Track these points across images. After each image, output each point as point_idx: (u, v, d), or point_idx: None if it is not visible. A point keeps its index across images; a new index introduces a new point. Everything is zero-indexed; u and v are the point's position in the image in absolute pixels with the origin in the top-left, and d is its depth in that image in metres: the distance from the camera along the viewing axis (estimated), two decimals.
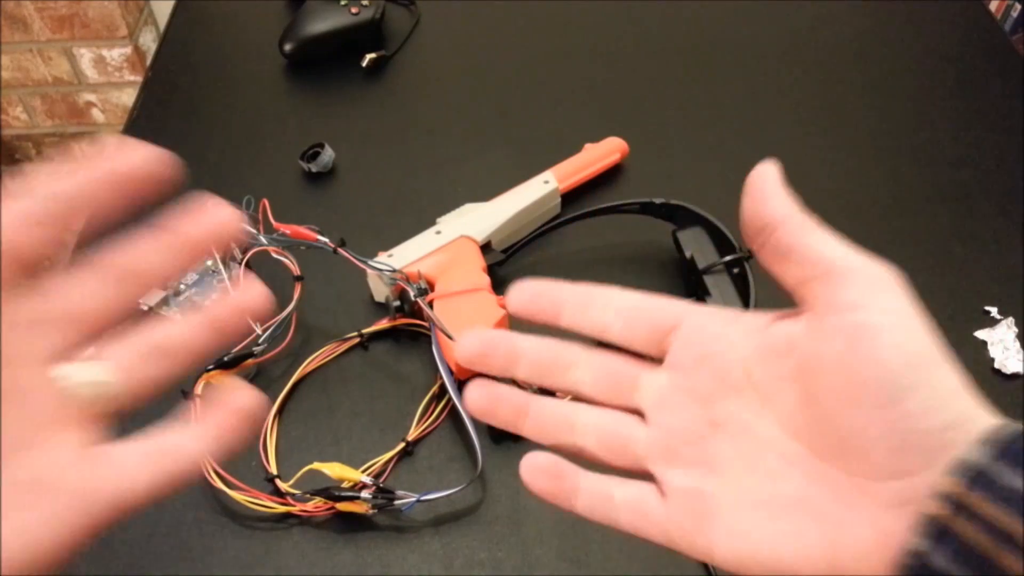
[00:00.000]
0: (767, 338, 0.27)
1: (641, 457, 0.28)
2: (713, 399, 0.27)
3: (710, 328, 0.28)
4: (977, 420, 0.23)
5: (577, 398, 0.29)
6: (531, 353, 0.29)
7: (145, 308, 0.58)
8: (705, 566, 0.47)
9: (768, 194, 0.27)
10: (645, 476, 0.28)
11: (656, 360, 0.28)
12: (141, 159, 0.23)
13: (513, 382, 0.29)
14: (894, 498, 0.23)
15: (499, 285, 0.61)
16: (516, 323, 0.57)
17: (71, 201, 0.23)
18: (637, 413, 0.28)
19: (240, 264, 0.59)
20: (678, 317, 0.28)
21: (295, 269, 0.57)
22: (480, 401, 0.29)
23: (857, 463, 0.24)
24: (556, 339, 0.29)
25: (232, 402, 0.25)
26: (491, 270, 0.59)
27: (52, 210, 0.22)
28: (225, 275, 0.60)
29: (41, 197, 0.22)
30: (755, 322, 0.27)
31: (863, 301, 0.24)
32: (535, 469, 0.29)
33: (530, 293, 0.29)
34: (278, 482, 0.50)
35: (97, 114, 1.64)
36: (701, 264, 0.58)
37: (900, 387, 0.23)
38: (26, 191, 0.23)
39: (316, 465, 0.49)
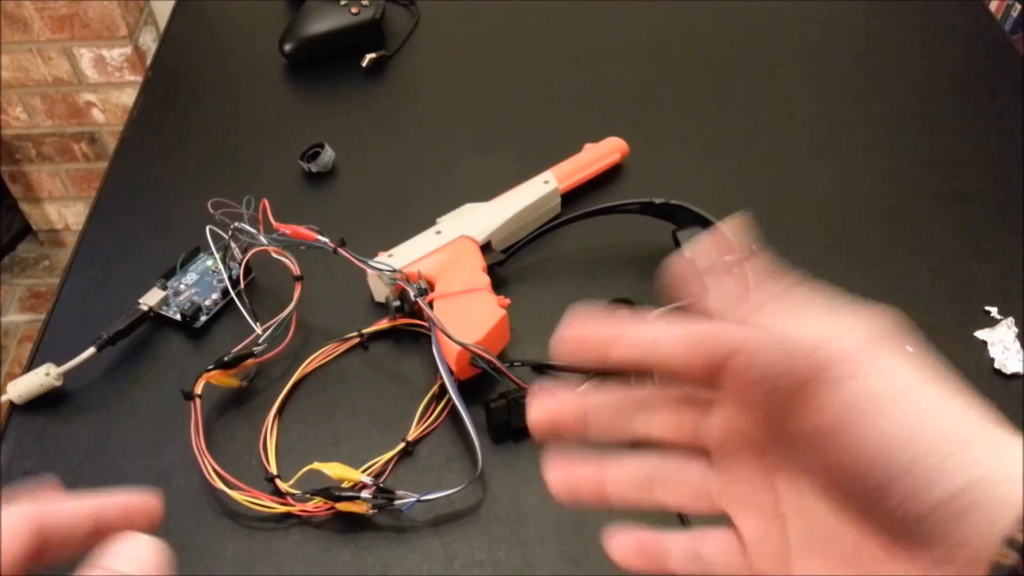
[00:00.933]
0: (793, 382, 0.25)
1: (716, 501, 0.27)
2: (763, 443, 0.26)
3: (759, 360, 0.26)
4: (996, 467, 0.21)
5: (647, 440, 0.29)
6: (598, 411, 0.28)
7: (145, 308, 0.58)
8: None
9: (708, 284, 0.26)
10: (727, 518, 0.28)
11: (715, 388, 0.27)
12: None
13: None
14: (936, 558, 0.22)
15: (499, 285, 0.61)
16: (517, 324, 0.57)
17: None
18: (705, 452, 0.28)
19: (240, 264, 0.59)
20: (734, 344, 0.26)
21: (295, 269, 0.57)
22: (562, 487, 0.28)
23: (884, 531, 0.23)
24: (616, 388, 0.28)
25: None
26: (491, 270, 0.59)
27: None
28: (225, 275, 0.60)
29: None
30: (798, 358, 0.25)
31: (854, 373, 0.23)
32: (625, 549, 0.28)
33: (581, 330, 0.27)
34: (278, 482, 0.50)
35: (97, 114, 1.63)
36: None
37: (898, 467, 0.22)
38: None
39: (316, 465, 0.49)
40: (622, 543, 0.28)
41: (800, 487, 0.25)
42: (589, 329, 0.27)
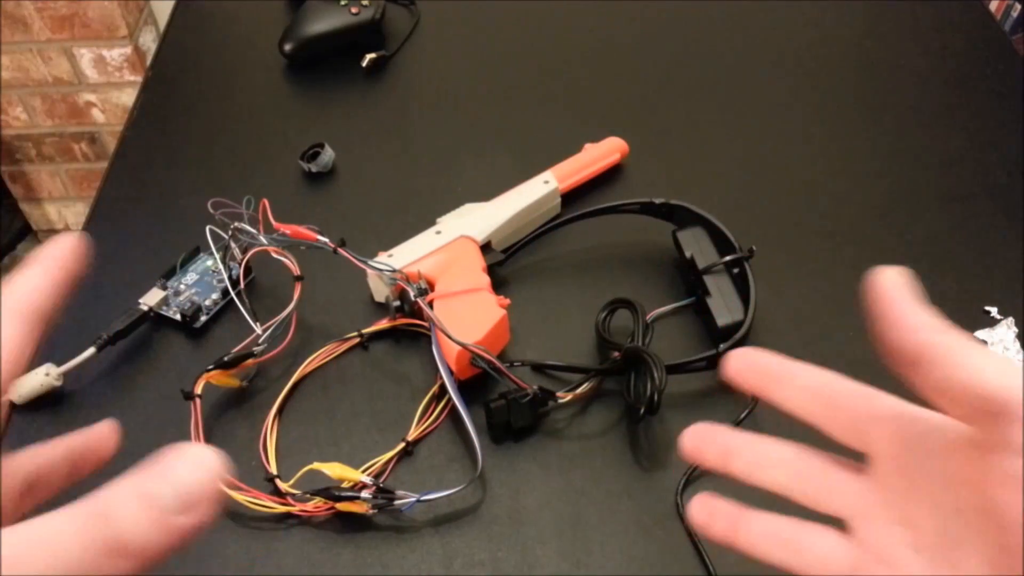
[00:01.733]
0: (949, 461, 0.24)
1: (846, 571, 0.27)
2: (914, 519, 0.25)
3: (912, 431, 0.25)
4: None
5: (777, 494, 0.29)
6: (743, 451, 0.28)
7: (145, 308, 0.58)
8: (705, 567, 0.47)
9: (904, 313, 0.24)
10: None
11: (856, 453, 0.27)
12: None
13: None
14: None
15: (499, 285, 0.61)
16: (516, 324, 0.57)
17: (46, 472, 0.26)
18: (838, 520, 0.27)
19: (240, 264, 0.59)
20: (880, 408, 0.26)
21: (295, 269, 0.57)
22: (701, 515, 0.29)
23: None
24: (762, 435, 0.29)
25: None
26: (491, 270, 0.59)
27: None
28: (225, 275, 0.60)
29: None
30: (945, 434, 0.24)
31: None
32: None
33: (748, 362, 0.28)
34: (278, 482, 0.50)
35: (97, 114, 1.63)
36: (701, 264, 0.58)
37: None
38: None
39: (316, 465, 0.49)
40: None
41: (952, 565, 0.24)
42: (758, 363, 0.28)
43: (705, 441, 0.29)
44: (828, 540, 0.27)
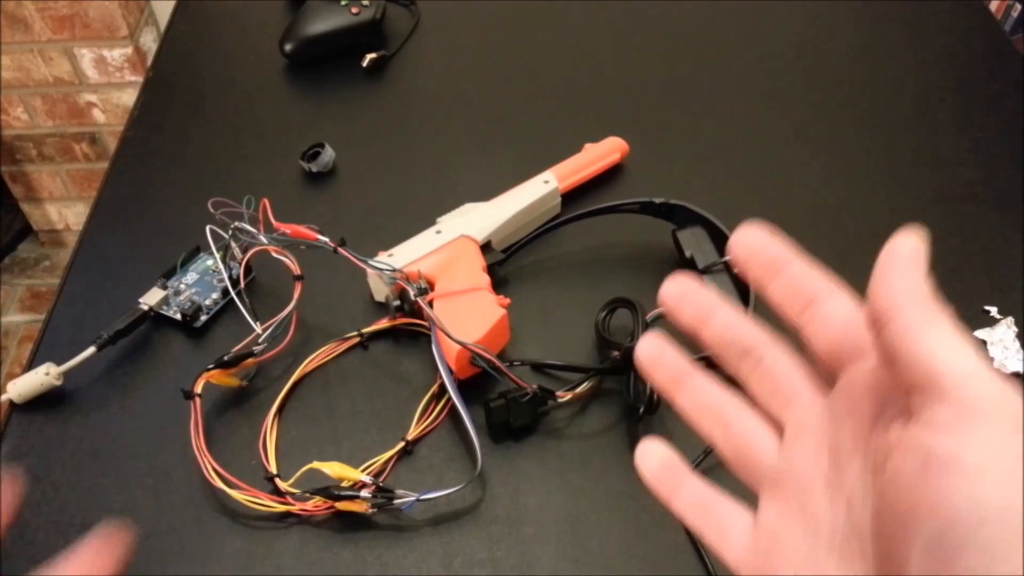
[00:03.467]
0: (880, 416, 0.24)
1: (758, 480, 0.27)
2: (839, 455, 0.25)
3: (871, 379, 0.25)
4: None
5: (735, 384, 0.28)
6: (721, 321, 0.28)
7: (145, 307, 0.58)
8: (705, 566, 0.47)
9: (892, 274, 0.23)
10: (754, 497, 0.27)
11: (827, 374, 0.27)
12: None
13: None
14: None
15: (499, 285, 0.61)
16: (516, 323, 0.57)
17: None
18: (779, 428, 0.27)
19: (240, 264, 0.59)
20: (863, 350, 0.25)
21: (295, 269, 0.57)
22: (650, 352, 0.28)
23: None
24: (746, 318, 0.28)
25: None
26: (491, 270, 0.59)
27: None
28: (225, 275, 0.60)
29: None
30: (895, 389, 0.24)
31: (956, 426, 0.20)
32: (650, 455, 0.28)
33: (760, 242, 0.27)
34: (278, 481, 0.50)
35: (98, 114, 1.64)
36: (701, 264, 0.58)
37: (958, 542, 0.19)
38: None
39: (316, 464, 0.49)
40: (651, 450, 0.28)
41: (846, 507, 0.24)
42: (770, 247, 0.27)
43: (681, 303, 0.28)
44: (764, 439, 0.27)
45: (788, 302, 0.27)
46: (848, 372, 0.25)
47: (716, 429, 0.28)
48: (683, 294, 0.28)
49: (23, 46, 1.52)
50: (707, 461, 0.51)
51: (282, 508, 0.49)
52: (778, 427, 0.27)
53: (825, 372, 0.26)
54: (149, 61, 1.31)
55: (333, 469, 0.48)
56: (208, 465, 0.50)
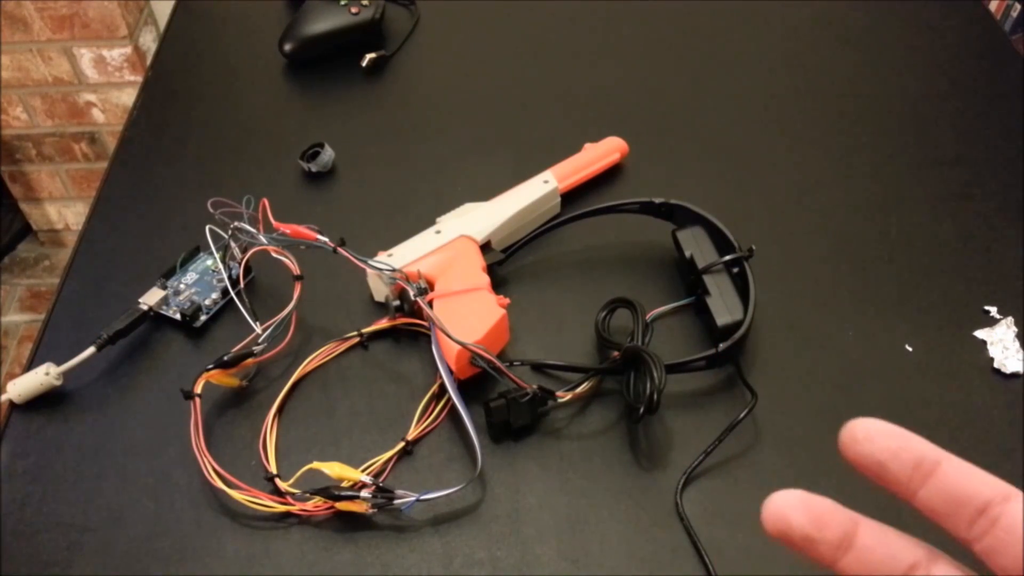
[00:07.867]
0: None
1: None
2: None
3: None
4: None
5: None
6: (864, 539, 0.22)
7: (145, 307, 0.58)
8: (705, 567, 0.47)
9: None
10: None
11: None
12: None
13: None
14: None
15: (499, 285, 0.61)
16: (516, 323, 0.57)
17: None
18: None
19: (240, 264, 0.59)
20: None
21: (295, 269, 0.57)
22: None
23: None
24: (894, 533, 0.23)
25: None
26: (491, 270, 0.59)
27: None
28: (225, 274, 0.60)
29: None
30: None
31: None
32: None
33: (893, 441, 0.22)
34: (278, 481, 0.50)
35: (97, 114, 1.64)
36: (701, 264, 0.58)
37: None
38: None
39: (316, 464, 0.49)
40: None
41: None
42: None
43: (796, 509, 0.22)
44: None
45: (947, 511, 0.22)
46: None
47: None
48: (817, 515, 0.22)
49: (22, 46, 1.52)
50: (707, 461, 0.51)
51: (282, 508, 0.49)
52: None
53: None
54: (148, 61, 1.31)
55: (333, 469, 0.48)
56: (208, 465, 0.50)
